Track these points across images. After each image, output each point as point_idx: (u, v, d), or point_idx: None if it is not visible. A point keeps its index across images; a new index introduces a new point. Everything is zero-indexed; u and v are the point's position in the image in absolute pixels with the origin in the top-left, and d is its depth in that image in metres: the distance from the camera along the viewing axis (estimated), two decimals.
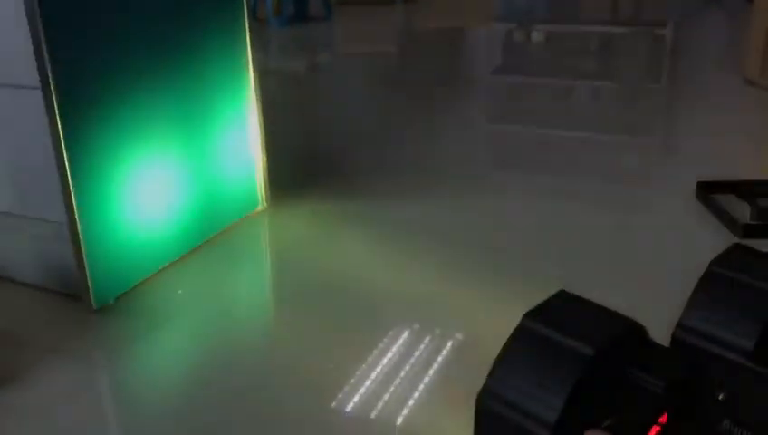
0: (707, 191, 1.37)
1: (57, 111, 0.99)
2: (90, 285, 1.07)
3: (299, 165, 1.71)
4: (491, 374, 0.67)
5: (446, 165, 1.66)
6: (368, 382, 0.92)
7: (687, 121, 1.90)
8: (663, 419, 0.68)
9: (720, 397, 0.71)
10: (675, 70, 2.38)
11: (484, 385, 0.67)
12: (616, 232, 1.32)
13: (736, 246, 0.80)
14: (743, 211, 1.32)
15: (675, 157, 1.74)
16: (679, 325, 0.74)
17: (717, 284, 0.74)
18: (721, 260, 0.77)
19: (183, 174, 1.23)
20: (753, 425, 0.71)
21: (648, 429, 0.67)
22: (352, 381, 0.92)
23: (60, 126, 0.99)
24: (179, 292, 1.15)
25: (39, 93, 0.98)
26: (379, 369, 0.95)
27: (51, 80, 0.97)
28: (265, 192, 1.42)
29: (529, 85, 2.36)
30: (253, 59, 1.34)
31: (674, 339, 0.73)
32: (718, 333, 0.71)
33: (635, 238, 1.31)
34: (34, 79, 0.98)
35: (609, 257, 1.22)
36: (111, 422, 0.90)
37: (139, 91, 1.12)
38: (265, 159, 1.41)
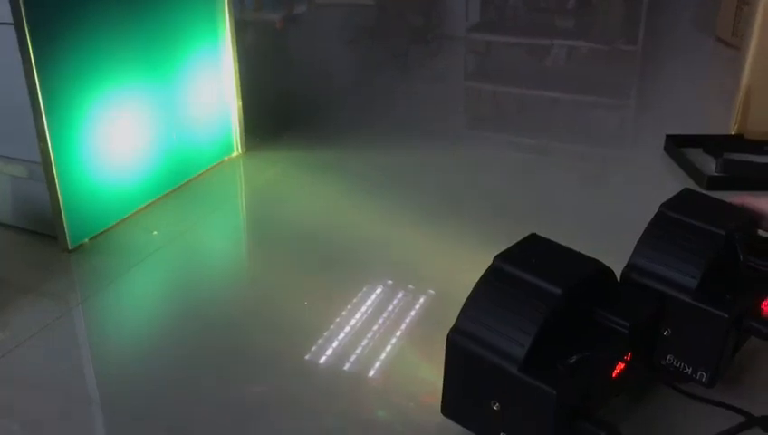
0: (676, 145, 1.41)
1: (31, 49, 0.97)
2: (65, 224, 1.07)
3: (274, 114, 1.70)
4: (462, 313, 0.69)
5: (421, 120, 1.66)
6: (341, 330, 0.93)
7: (660, 80, 1.93)
8: (628, 357, 0.71)
9: (665, 333, 0.75)
10: (651, 29, 2.39)
11: (455, 323, 0.69)
12: (586, 185, 1.35)
13: (686, 190, 0.83)
14: (709, 165, 1.35)
15: (646, 114, 1.76)
16: (628, 265, 0.76)
17: (665, 225, 0.77)
18: (670, 203, 0.80)
19: (158, 117, 1.23)
20: (693, 360, 0.74)
21: (614, 365, 0.70)
22: (325, 327, 0.94)
23: (34, 64, 0.98)
24: (154, 233, 1.16)
25: (12, 30, 0.97)
26: (353, 317, 0.96)
27: (24, 16, 0.95)
28: (240, 139, 1.42)
29: (506, 43, 2.36)
30: (229, 7, 1.33)
31: (623, 277, 0.76)
32: (664, 272, 0.74)
33: (604, 190, 1.34)
34: (7, 14, 0.96)
35: (578, 208, 1.25)
36: (85, 360, 0.91)
37: (113, 33, 1.11)
38: (241, 105, 1.40)
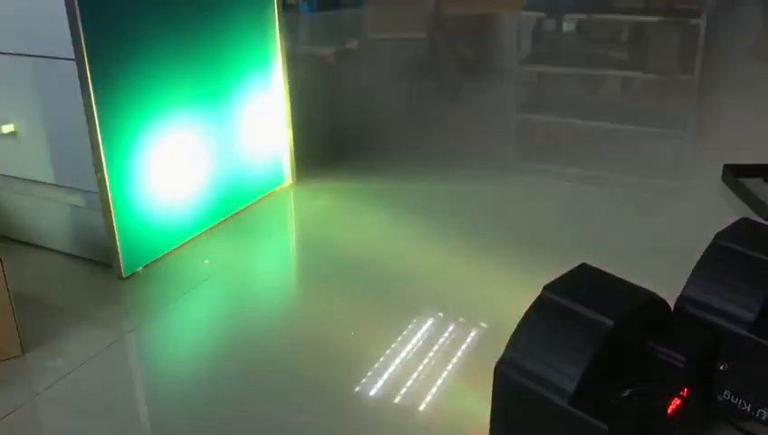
0: (734, 175, 1.36)
1: (90, 83, 1.01)
2: (119, 252, 1.09)
3: (326, 146, 1.72)
4: (510, 344, 0.68)
5: (473, 152, 1.66)
6: (391, 362, 0.93)
7: (718, 109, 1.88)
8: (684, 392, 0.68)
9: (721, 368, 0.72)
10: (708, 59, 2.34)
11: (503, 355, 0.68)
12: (641, 216, 1.32)
13: (743, 220, 0.81)
14: None
15: (704, 144, 1.72)
16: (682, 296, 0.74)
17: (721, 256, 0.74)
18: (726, 233, 0.77)
19: (212, 148, 1.25)
20: (751, 396, 0.71)
21: (669, 400, 0.67)
22: (375, 359, 0.93)
23: (93, 98, 1.02)
24: (206, 262, 1.17)
25: (73, 65, 1.01)
26: (403, 349, 0.95)
27: (84, 51, 0.99)
28: (292, 169, 1.44)
29: (558, 75, 2.34)
30: (281, 41, 1.35)
31: (676, 309, 0.73)
32: (720, 304, 0.72)
33: (660, 221, 1.31)
34: (69, 50, 1.00)
35: (633, 239, 1.22)
36: (136, 387, 0.93)
37: (168, 66, 1.14)
38: (293, 137, 1.42)
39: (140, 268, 1.14)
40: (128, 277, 1.12)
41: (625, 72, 2.29)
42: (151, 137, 1.12)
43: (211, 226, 1.27)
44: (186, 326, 1.03)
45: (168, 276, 1.14)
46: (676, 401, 0.68)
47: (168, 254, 1.19)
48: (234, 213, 1.32)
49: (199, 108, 1.21)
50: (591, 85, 2.22)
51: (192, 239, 1.23)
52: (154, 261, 1.17)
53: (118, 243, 1.09)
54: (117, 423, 0.84)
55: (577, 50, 2.64)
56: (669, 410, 0.68)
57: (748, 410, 0.71)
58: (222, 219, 1.29)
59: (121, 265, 1.10)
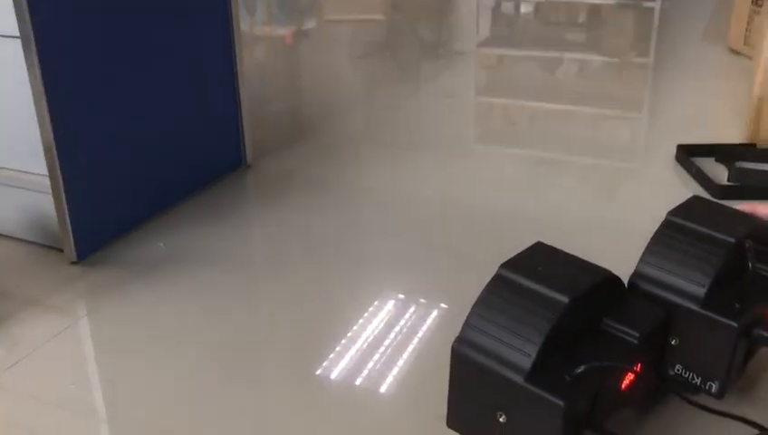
0: (687, 155, 1.39)
1: (37, 63, 0.98)
2: (70, 236, 1.07)
3: (283, 128, 1.70)
4: (466, 323, 0.68)
5: (431, 135, 1.66)
6: (351, 345, 0.92)
7: (672, 91, 1.91)
8: (638, 367, 0.69)
9: (673, 342, 0.73)
10: (662, 42, 2.38)
11: (460, 333, 0.68)
12: (597, 196, 1.34)
13: (694, 197, 0.82)
14: (721, 174, 1.34)
15: (658, 125, 1.75)
16: (635, 273, 0.75)
17: (672, 233, 0.75)
18: (677, 211, 0.78)
19: (166, 131, 1.23)
20: (701, 369, 0.73)
21: (623, 375, 0.68)
22: (336, 341, 0.93)
23: (40, 78, 0.99)
24: (161, 245, 1.15)
25: (19, 42, 0.97)
26: (364, 331, 0.95)
27: (31, 29, 0.96)
28: (247, 152, 1.42)
29: (517, 57, 2.35)
30: (238, 21, 1.33)
31: (630, 286, 0.74)
32: (671, 280, 0.73)
33: (615, 201, 1.33)
34: (13, 28, 0.97)
35: (589, 219, 1.24)
36: (91, 373, 0.91)
37: (119, 46, 1.11)
38: (249, 120, 1.40)
39: (93, 252, 1.12)
40: (80, 262, 1.10)
41: (581, 55, 2.31)
42: (103, 119, 1.10)
43: (166, 208, 1.25)
44: (141, 310, 1.01)
45: (122, 260, 1.12)
46: (630, 376, 0.69)
47: (121, 237, 1.17)
48: (189, 195, 1.30)
49: (153, 89, 1.19)
50: (549, 68, 2.24)
51: (146, 222, 1.21)
52: (107, 245, 1.14)
53: (69, 227, 1.06)
54: (71, 410, 0.82)
55: (534, 32, 2.66)
56: (623, 385, 0.69)
57: (698, 383, 0.73)
58: (177, 202, 1.27)
59: (73, 249, 1.08)
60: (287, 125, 1.73)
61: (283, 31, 2.44)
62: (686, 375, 0.74)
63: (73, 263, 1.09)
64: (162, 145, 1.23)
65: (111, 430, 0.81)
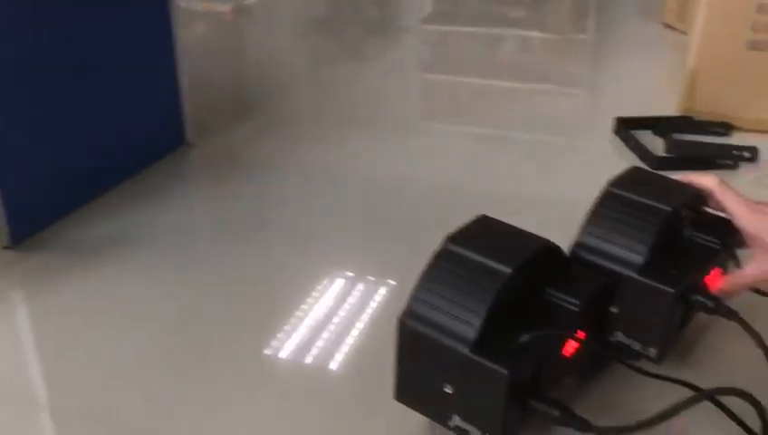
0: (626, 128, 1.42)
1: None
2: (4, 220, 1.03)
3: (225, 106, 1.67)
4: (412, 296, 0.68)
5: (376, 112, 1.65)
6: (299, 325, 0.92)
7: (611, 67, 1.95)
8: (580, 335, 0.71)
9: (613, 310, 0.75)
10: (601, 18, 2.41)
11: (406, 306, 0.69)
12: (539, 171, 1.36)
13: (633, 168, 0.84)
14: (658, 145, 1.37)
15: (598, 100, 1.78)
16: (576, 243, 0.77)
17: (611, 203, 0.77)
18: (616, 181, 0.80)
19: (103, 111, 1.19)
20: (641, 336, 0.75)
21: (565, 344, 0.70)
22: (285, 320, 0.93)
23: None
24: (101, 228, 1.13)
25: None
26: (312, 309, 0.95)
27: None
28: (189, 131, 1.39)
29: (460, 34, 2.36)
30: None
31: (571, 256, 0.76)
32: (611, 249, 0.75)
33: (557, 175, 1.35)
34: None
35: (531, 193, 1.26)
36: (28, 359, 0.88)
37: (50, 22, 1.07)
38: (189, 98, 1.37)
39: (29, 236, 1.08)
40: (14, 247, 1.06)
41: (523, 32, 2.33)
42: (36, 99, 1.06)
43: (106, 189, 1.22)
44: (80, 294, 0.99)
45: (60, 244, 1.09)
46: (573, 344, 0.70)
47: (59, 220, 1.13)
48: (130, 176, 1.27)
49: (87, 68, 1.15)
50: (492, 44, 2.25)
51: (85, 205, 1.18)
52: (44, 228, 1.11)
53: (2, 210, 1.03)
54: (6, 398, 0.80)
55: (478, 9, 2.67)
56: (566, 353, 0.70)
57: (638, 348, 0.75)
58: (117, 183, 1.24)
59: (7, 233, 1.05)
60: (229, 103, 1.71)
61: (223, 7, 2.39)
62: (627, 341, 0.76)
63: (7, 248, 1.06)
64: (99, 125, 1.19)
65: (49, 418, 0.79)
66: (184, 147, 1.40)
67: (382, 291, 0.98)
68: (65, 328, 0.92)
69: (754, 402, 0.62)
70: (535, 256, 0.69)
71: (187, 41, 1.36)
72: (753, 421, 0.64)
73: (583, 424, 0.65)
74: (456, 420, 0.66)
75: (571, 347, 0.71)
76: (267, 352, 0.87)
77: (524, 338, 0.64)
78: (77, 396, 0.81)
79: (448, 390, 0.66)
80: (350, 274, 1.02)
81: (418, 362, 0.68)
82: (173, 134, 1.38)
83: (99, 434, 0.76)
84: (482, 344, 0.64)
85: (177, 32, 1.31)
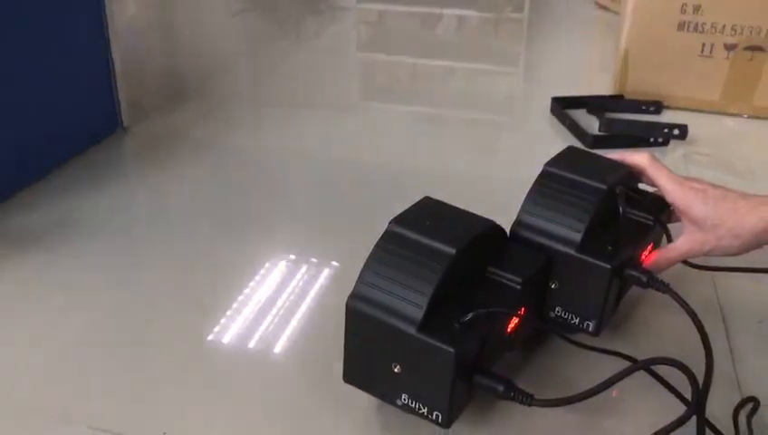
0: (562, 107, 1.45)
1: None
2: None
3: (159, 89, 1.64)
4: (359, 279, 0.69)
5: (314, 93, 1.65)
6: (243, 309, 0.92)
7: (546, 46, 1.98)
8: (521, 311, 0.73)
9: (553, 286, 0.77)
10: None
11: (354, 289, 0.69)
12: (478, 150, 1.38)
13: (569, 148, 0.86)
14: (593, 124, 1.41)
15: (533, 79, 1.81)
16: (516, 222, 0.79)
17: (549, 182, 0.79)
18: (554, 161, 0.82)
19: (30, 94, 1.15)
20: (578, 310, 0.78)
21: (508, 320, 0.72)
22: (228, 305, 0.92)
23: None
24: (33, 216, 1.09)
25: None
26: (256, 293, 0.95)
27: None
28: (123, 114, 1.36)
29: (397, 13, 2.36)
30: None
31: (512, 235, 0.78)
32: (549, 227, 0.77)
33: (495, 154, 1.37)
34: None
35: (471, 173, 1.28)
36: None
37: None
38: (122, 80, 1.34)
39: None
40: None
41: (460, 11, 2.34)
42: None
43: (39, 177, 1.18)
44: (17, 284, 0.96)
45: None
46: (515, 320, 0.72)
47: None
48: (63, 162, 1.23)
49: (16, 50, 1.11)
50: (429, 23, 2.26)
51: (18, 193, 1.14)
52: None
53: None
54: None
55: None
56: (509, 329, 0.72)
57: (577, 322, 0.78)
58: (50, 170, 1.21)
59: None
60: (164, 85, 1.67)
61: None
62: (566, 316, 0.78)
63: None
64: (27, 109, 1.15)
65: None
66: (119, 130, 1.36)
67: (326, 273, 0.99)
68: (2, 318, 0.90)
69: (687, 371, 0.65)
70: (478, 237, 0.71)
71: (119, 20, 1.33)
72: (686, 389, 0.67)
73: (526, 397, 0.67)
74: (404, 399, 0.68)
75: (512, 323, 0.73)
76: (210, 337, 0.86)
77: (469, 316, 0.66)
78: (16, 389, 0.79)
79: (396, 369, 0.67)
80: (293, 256, 1.02)
81: (366, 343, 0.69)
82: (107, 117, 1.34)
83: (38, 425, 0.74)
84: (428, 324, 0.65)
85: (108, 10, 1.27)
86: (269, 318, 0.90)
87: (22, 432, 0.74)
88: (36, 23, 1.15)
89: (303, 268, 1.00)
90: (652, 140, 1.35)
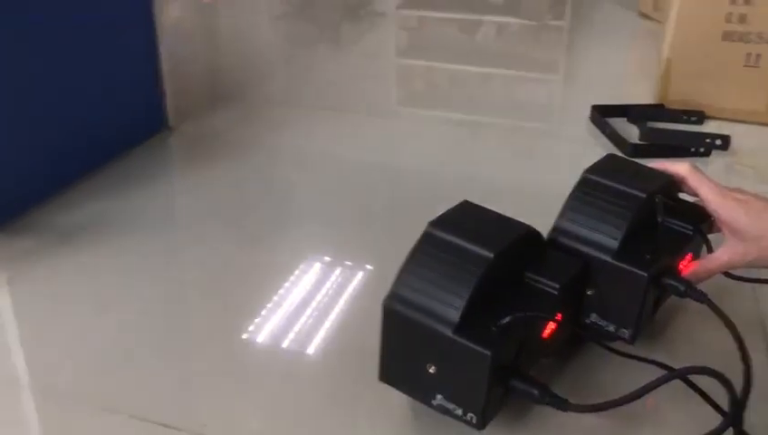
0: (601, 115, 1.45)
1: None
2: None
3: (204, 90, 1.67)
4: (397, 280, 0.70)
5: (353, 97, 1.66)
6: (277, 309, 0.93)
7: (586, 54, 1.97)
8: (558, 317, 0.73)
9: (589, 293, 0.77)
10: (577, 5, 2.44)
11: (391, 290, 0.70)
12: (516, 157, 1.38)
13: (609, 155, 0.86)
14: (633, 133, 1.40)
15: (573, 87, 1.80)
16: (554, 228, 0.79)
17: (588, 189, 0.79)
18: (593, 168, 0.82)
19: (79, 94, 1.19)
20: (614, 317, 0.78)
21: (544, 325, 0.72)
22: (263, 305, 0.93)
23: None
24: (80, 212, 1.12)
25: None
26: (291, 294, 0.96)
27: None
28: (169, 115, 1.39)
29: (437, 19, 2.37)
30: None
31: (549, 240, 0.78)
32: (587, 234, 0.77)
33: (534, 161, 1.37)
34: None
35: (509, 179, 1.28)
36: (12, 340, 0.89)
37: (26, 7, 1.06)
38: (169, 82, 1.37)
39: (11, 220, 1.08)
40: None
41: (500, 18, 2.34)
42: (7, 83, 1.05)
43: (86, 173, 1.21)
44: (63, 277, 0.99)
45: (43, 228, 1.08)
46: (552, 326, 0.73)
47: (41, 204, 1.13)
48: (110, 160, 1.27)
49: (63, 51, 1.14)
50: (468, 30, 2.27)
51: (66, 188, 1.17)
52: (26, 212, 1.11)
53: None
54: None
55: None
56: (545, 335, 0.72)
57: (612, 330, 0.78)
58: (98, 167, 1.24)
59: None
60: (208, 87, 1.70)
61: None
62: (602, 323, 0.78)
63: None
64: (79, 108, 1.19)
65: (35, 399, 0.79)
66: (164, 131, 1.39)
67: (361, 275, 1.00)
68: (47, 310, 0.93)
69: (724, 381, 0.64)
70: (516, 242, 0.71)
71: (165, 24, 1.36)
72: (723, 400, 0.66)
73: (561, 402, 0.67)
74: (439, 399, 0.68)
75: (549, 329, 0.73)
76: (246, 335, 0.88)
77: (506, 320, 0.66)
78: (56, 377, 0.81)
79: (432, 370, 0.67)
80: (329, 258, 1.04)
81: (402, 343, 0.69)
82: (154, 118, 1.37)
83: (81, 414, 0.76)
84: (464, 326, 0.66)
85: (157, 14, 1.31)
86: (304, 318, 0.91)
87: (66, 419, 0.76)
88: (88, 23, 1.18)
89: (338, 270, 1.01)
90: (693, 150, 1.33)
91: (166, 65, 1.36)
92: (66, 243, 1.06)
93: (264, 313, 0.92)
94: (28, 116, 1.09)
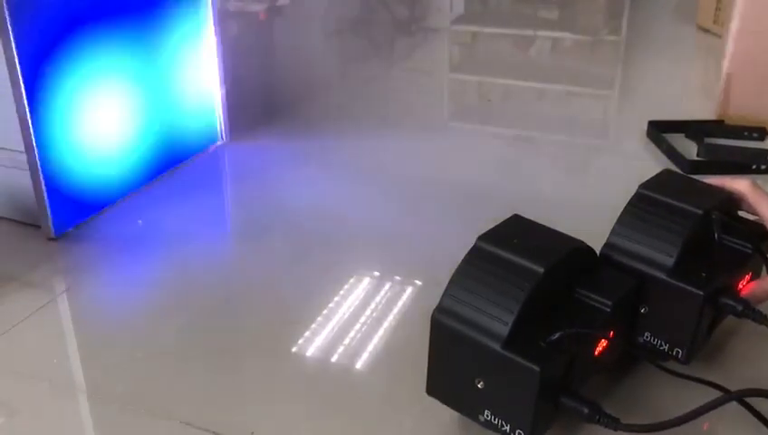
0: (659, 131, 1.42)
1: (11, 34, 0.97)
2: (48, 212, 1.07)
3: (260, 104, 1.70)
4: (445, 293, 0.70)
5: (406, 112, 1.67)
6: (327, 323, 0.93)
7: (644, 69, 1.94)
8: (610, 334, 0.72)
9: (642, 311, 0.75)
10: (634, 19, 2.40)
11: (439, 303, 0.70)
12: (571, 172, 1.36)
13: (666, 171, 0.84)
14: (691, 149, 1.37)
15: (630, 102, 1.78)
16: (607, 244, 0.77)
17: (642, 205, 0.78)
18: (649, 183, 0.81)
19: (143, 107, 1.23)
20: (668, 336, 0.75)
21: (596, 342, 0.71)
22: (313, 318, 0.94)
23: (15, 52, 0.98)
24: (139, 222, 1.16)
25: None
26: (341, 307, 0.96)
27: (5, 5, 0.95)
28: (225, 127, 1.42)
29: (490, 35, 2.36)
30: None
31: (602, 256, 0.76)
32: (641, 250, 0.75)
33: (588, 177, 1.35)
34: None
35: (563, 194, 1.26)
36: (71, 347, 0.91)
37: (98, 22, 1.10)
38: (226, 95, 1.40)
39: (71, 229, 1.12)
40: (57, 239, 1.09)
41: (554, 33, 2.33)
42: (80, 92, 1.09)
43: (144, 185, 1.25)
44: (120, 286, 1.02)
45: (100, 237, 1.12)
46: (603, 343, 0.71)
47: (98, 214, 1.17)
48: (167, 172, 1.30)
49: (130, 65, 1.18)
50: (522, 45, 2.26)
51: (123, 199, 1.21)
52: (85, 222, 1.14)
53: (46, 203, 1.06)
54: (51, 384, 0.83)
55: (508, 10, 2.67)
56: (596, 352, 0.71)
57: (666, 349, 0.76)
58: (155, 179, 1.27)
59: (51, 225, 1.08)
60: (263, 101, 1.73)
61: (257, 6, 2.42)
62: (655, 342, 0.76)
63: (51, 239, 1.09)
64: (141, 122, 1.22)
65: (91, 404, 0.81)
66: (219, 144, 1.42)
67: (410, 290, 1.00)
68: (105, 318, 0.95)
69: None
70: (567, 257, 0.70)
71: (223, 40, 1.39)
72: None
73: (612, 421, 0.66)
74: (487, 415, 0.68)
75: (601, 346, 0.71)
76: (295, 348, 0.89)
77: (556, 336, 0.65)
78: (114, 383, 0.83)
79: (480, 385, 0.67)
80: (378, 273, 1.04)
81: (450, 357, 0.69)
82: (210, 132, 1.40)
83: (133, 418, 0.78)
84: (514, 341, 0.65)
85: (214, 30, 1.34)
86: (353, 332, 0.91)
87: (118, 423, 0.78)
88: (151, 37, 1.22)
89: (388, 285, 1.01)
90: (754, 166, 1.30)
91: (224, 80, 1.39)
92: (123, 251, 1.09)
93: (314, 326, 0.92)
94: (98, 128, 1.13)
